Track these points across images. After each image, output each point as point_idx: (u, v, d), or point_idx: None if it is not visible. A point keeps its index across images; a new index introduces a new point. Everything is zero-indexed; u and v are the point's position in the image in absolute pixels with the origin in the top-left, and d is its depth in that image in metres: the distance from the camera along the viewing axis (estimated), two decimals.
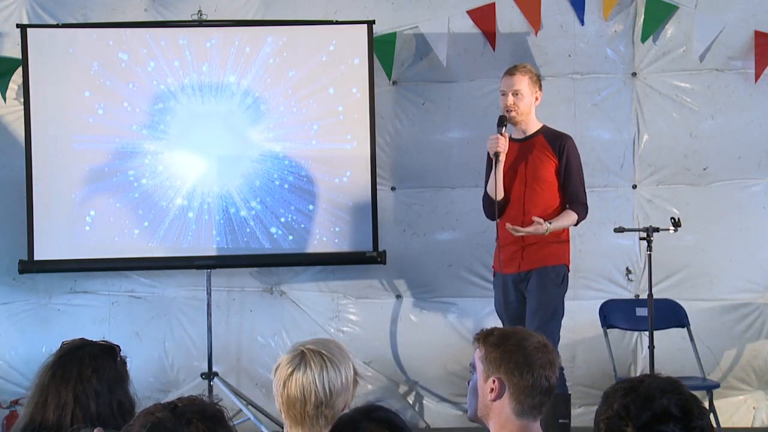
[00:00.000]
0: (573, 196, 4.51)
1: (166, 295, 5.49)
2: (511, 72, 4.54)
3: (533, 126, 4.56)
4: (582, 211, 4.52)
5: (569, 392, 4.43)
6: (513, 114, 4.49)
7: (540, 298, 4.42)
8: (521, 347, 2.44)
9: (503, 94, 4.52)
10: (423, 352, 5.35)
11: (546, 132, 4.56)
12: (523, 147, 4.52)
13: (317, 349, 2.42)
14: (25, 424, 2.33)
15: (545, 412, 4.25)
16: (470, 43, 5.31)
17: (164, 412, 1.74)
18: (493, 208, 4.51)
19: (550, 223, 4.37)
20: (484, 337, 2.51)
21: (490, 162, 4.59)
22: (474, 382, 2.51)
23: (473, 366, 2.54)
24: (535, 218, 4.37)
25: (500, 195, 4.46)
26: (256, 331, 5.46)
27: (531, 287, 4.45)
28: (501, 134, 4.47)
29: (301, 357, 2.40)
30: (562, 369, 4.37)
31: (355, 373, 2.48)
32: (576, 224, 4.56)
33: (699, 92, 5.23)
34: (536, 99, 4.55)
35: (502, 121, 4.49)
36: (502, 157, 4.46)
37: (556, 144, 4.51)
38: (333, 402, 2.37)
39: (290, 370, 2.39)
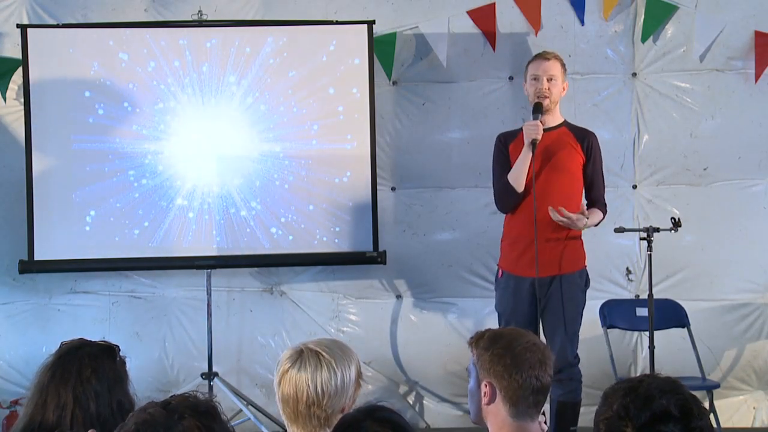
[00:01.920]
0: (598, 196, 4.41)
1: (166, 295, 5.49)
2: (545, 56, 4.38)
3: (557, 118, 4.42)
4: (605, 212, 4.45)
5: (580, 400, 4.36)
6: (547, 101, 4.33)
7: (568, 308, 4.28)
8: (509, 349, 2.44)
9: (535, 79, 4.34)
10: (423, 352, 5.35)
11: (570, 125, 4.44)
12: (546, 137, 4.31)
13: (316, 349, 2.45)
14: (24, 424, 2.33)
15: (558, 420, 4.26)
16: (470, 43, 5.31)
17: (156, 408, 1.73)
18: (511, 199, 4.32)
19: (587, 219, 4.26)
20: (476, 341, 2.52)
21: (501, 155, 4.44)
22: (472, 386, 2.52)
23: (469, 370, 2.54)
24: (582, 213, 4.25)
25: (522, 186, 4.27)
26: (256, 331, 5.46)
27: (555, 295, 4.28)
28: (540, 121, 4.27)
29: (299, 355, 2.43)
30: (580, 374, 4.34)
31: (359, 376, 2.49)
32: (597, 225, 4.47)
33: (699, 92, 5.23)
34: (564, 89, 4.44)
35: (539, 108, 4.30)
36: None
37: (583, 140, 4.36)
38: (324, 403, 2.38)
39: (286, 367, 2.43)
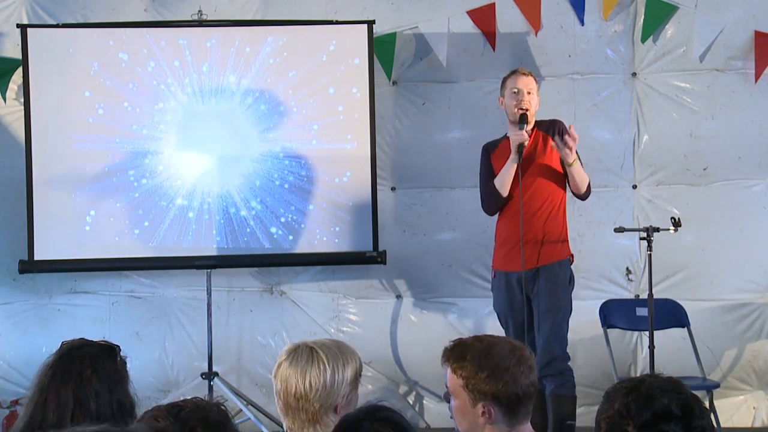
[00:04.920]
0: None
1: (166, 295, 5.49)
2: (522, 72, 4.55)
3: (529, 125, 4.53)
4: (588, 183, 4.48)
5: (575, 394, 4.41)
6: (528, 113, 4.47)
7: (550, 301, 4.39)
8: (502, 369, 2.39)
9: (515, 93, 4.48)
10: (423, 352, 5.34)
11: (539, 125, 4.55)
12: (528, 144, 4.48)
13: (313, 346, 2.50)
14: (25, 424, 2.32)
15: (556, 414, 4.29)
16: (470, 44, 5.31)
17: (168, 420, 1.70)
18: (496, 202, 4.51)
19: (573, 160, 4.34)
20: (457, 362, 2.44)
21: (485, 163, 4.61)
22: (459, 406, 2.45)
23: (448, 387, 2.48)
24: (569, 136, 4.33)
25: (507, 190, 4.44)
26: (256, 331, 5.46)
27: (539, 289, 4.41)
28: (526, 131, 4.43)
29: (294, 351, 2.50)
30: (571, 370, 4.38)
31: (356, 378, 2.52)
32: (584, 193, 4.48)
33: (699, 92, 5.23)
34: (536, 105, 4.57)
35: (524, 119, 4.44)
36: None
37: (554, 129, 4.48)
38: (312, 397, 2.42)
39: (280, 360, 2.50)
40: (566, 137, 4.33)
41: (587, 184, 4.47)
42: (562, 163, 4.44)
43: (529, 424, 2.46)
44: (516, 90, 4.50)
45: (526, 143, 4.39)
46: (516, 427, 2.42)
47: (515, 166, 4.39)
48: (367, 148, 5.17)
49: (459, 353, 2.46)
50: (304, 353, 2.47)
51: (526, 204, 4.43)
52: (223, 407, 1.78)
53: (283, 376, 2.46)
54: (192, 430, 1.69)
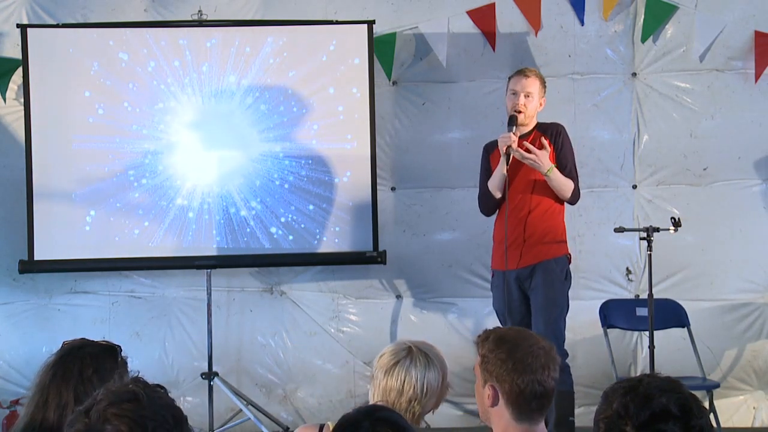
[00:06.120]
0: (568, 176, 4.51)
1: (166, 295, 5.49)
2: (525, 74, 4.56)
3: (530, 125, 4.57)
4: (576, 189, 4.51)
5: (573, 390, 4.43)
6: (521, 115, 4.50)
7: (547, 295, 4.42)
8: (512, 354, 2.41)
9: (514, 94, 4.53)
10: None
11: (540, 127, 4.58)
12: (521, 145, 4.50)
13: (423, 349, 2.60)
14: (25, 423, 2.32)
15: (557, 410, 4.31)
16: (470, 44, 5.31)
17: (81, 421, 1.64)
18: (489, 203, 4.58)
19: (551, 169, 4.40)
20: (482, 341, 2.50)
21: (484, 163, 4.65)
22: (477, 384, 2.51)
23: (475, 370, 2.55)
24: (544, 149, 4.41)
25: (500, 192, 4.50)
26: (256, 331, 5.46)
27: (536, 285, 4.44)
28: (513, 133, 4.46)
29: (408, 352, 2.59)
30: (568, 367, 4.40)
31: (444, 380, 2.62)
32: (570, 199, 4.50)
33: (699, 92, 5.24)
34: (541, 104, 4.58)
35: (513, 121, 4.49)
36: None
37: (552, 133, 4.53)
38: (425, 401, 2.54)
39: (395, 361, 2.57)
40: (526, 146, 4.41)
41: (571, 190, 4.49)
42: (555, 158, 4.48)
43: (543, 424, 2.45)
44: (514, 91, 4.54)
45: (514, 146, 4.42)
46: (522, 423, 2.41)
47: (505, 167, 4.44)
48: (367, 148, 5.17)
49: (486, 334, 2.53)
50: (421, 357, 2.57)
51: (521, 204, 4.48)
52: (139, 382, 1.70)
53: (399, 377, 2.53)
54: (107, 421, 1.64)
